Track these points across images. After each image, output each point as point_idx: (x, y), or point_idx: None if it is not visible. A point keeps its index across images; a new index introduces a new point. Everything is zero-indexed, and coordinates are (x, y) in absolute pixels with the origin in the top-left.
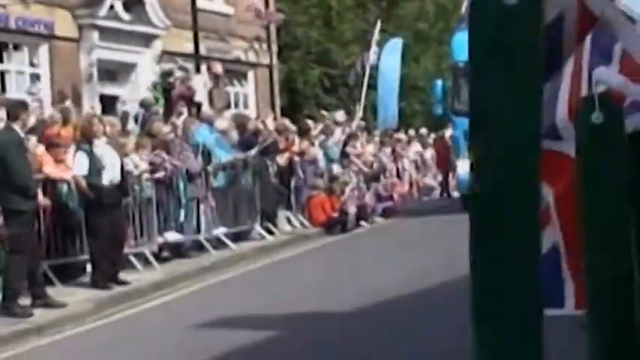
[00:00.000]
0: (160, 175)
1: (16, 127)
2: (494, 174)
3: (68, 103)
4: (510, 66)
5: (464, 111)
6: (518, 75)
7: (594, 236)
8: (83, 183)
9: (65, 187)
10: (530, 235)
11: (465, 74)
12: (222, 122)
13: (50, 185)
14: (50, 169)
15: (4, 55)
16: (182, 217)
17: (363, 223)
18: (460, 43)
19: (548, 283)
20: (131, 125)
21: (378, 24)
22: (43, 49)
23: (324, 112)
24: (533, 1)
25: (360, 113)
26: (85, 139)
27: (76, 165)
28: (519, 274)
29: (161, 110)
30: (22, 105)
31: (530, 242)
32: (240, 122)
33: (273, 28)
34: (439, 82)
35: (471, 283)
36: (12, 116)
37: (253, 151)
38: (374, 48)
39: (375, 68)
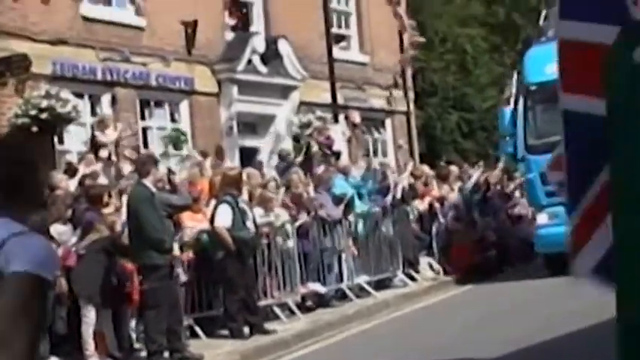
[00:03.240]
0: (300, 223)
1: (147, 182)
2: None
3: (209, 159)
4: None
5: (541, 148)
6: None
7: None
8: (227, 235)
9: (206, 238)
10: None
11: (542, 100)
12: (360, 171)
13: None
14: (189, 222)
15: (146, 112)
16: (324, 267)
17: (505, 267)
18: (537, 61)
19: None
20: (270, 175)
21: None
22: (184, 105)
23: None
24: None
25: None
26: (230, 191)
27: (220, 217)
28: None
29: (300, 160)
30: (152, 160)
31: None
32: (379, 170)
33: (409, 75)
34: (508, 111)
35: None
36: (143, 172)
37: (390, 199)
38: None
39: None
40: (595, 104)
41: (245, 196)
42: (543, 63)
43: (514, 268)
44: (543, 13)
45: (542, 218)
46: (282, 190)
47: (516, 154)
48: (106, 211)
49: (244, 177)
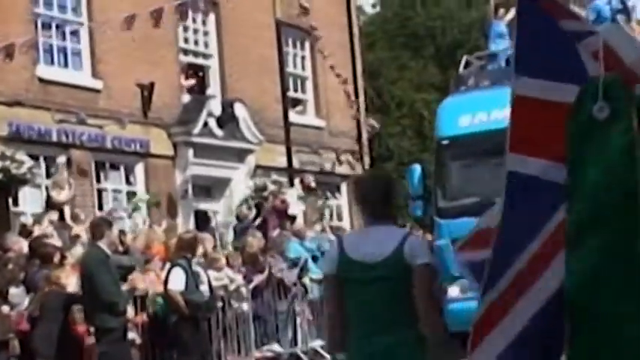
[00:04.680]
0: (255, 284)
1: (102, 244)
2: None
3: (164, 223)
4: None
5: (453, 210)
6: None
7: None
8: (180, 299)
9: (160, 301)
10: None
11: (455, 156)
12: (315, 235)
13: (143, 301)
14: (142, 284)
15: (101, 175)
16: (278, 331)
17: None
18: (451, 113)
19: None
20: (225, 239)
21: None
22: (139, 168)
23: None
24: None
25: None
26: (184, 255)
27: (173, 280)
28: None
29: (255, 224)
30: (107, 223)
31: None
32: (336, 234)
33: (365, 140)
34: (418, 168)
35: None
36: (97, 234)
37: None
38: None
39: None
40: (544, 167)
41: (199, 259)
42: (457, 114)
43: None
44: (464, 59)
45: (453, 291)
46: (237, 253)
47: (425, 216)
48: (58, 272)
49: (198, 241)
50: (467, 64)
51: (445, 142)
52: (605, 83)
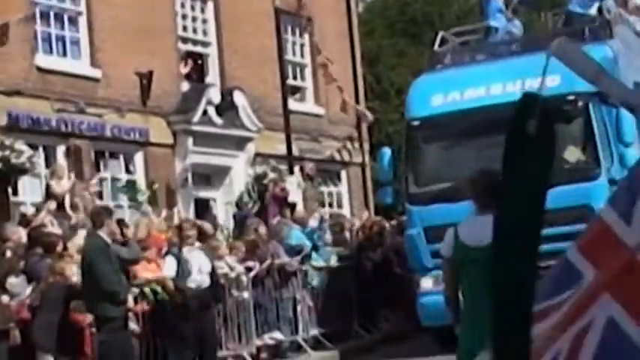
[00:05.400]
0: (255, 273)
1: (102, 233)
2: None
3: (163, 212)
4: None
5: (425, 197)
6: None
7: None
8: (171, 285)
9: (160, 290)
10: None
11: (426, 138)
12: (315, 222)
13: (142, 290)
14: (144, 273)
15: (101, 164)
16: (279, 319)
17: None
18: (423, 92)
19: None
20: (226, 227)
21: None
22: (139, 156)
23: None
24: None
25: None
26: (176, 243)
27: (165, 268)
28: None
29: (254, 211)
30: (106, 211)
31: None
32: (336, 221)
33: (364, 127)
34: (388, 152)
35: None
36: (97, 223)
37: (347, 249)
38: None
39: None
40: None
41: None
42: (430, 94)
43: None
44: (439, 35)
45: (426, 283)
46: (237, 242)
47: (396, 203)
48: (63, 263)
49: (198, 229)
50: (442, 42)
51: (416, 123)
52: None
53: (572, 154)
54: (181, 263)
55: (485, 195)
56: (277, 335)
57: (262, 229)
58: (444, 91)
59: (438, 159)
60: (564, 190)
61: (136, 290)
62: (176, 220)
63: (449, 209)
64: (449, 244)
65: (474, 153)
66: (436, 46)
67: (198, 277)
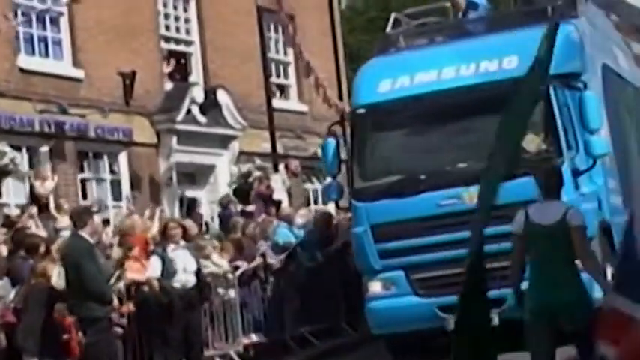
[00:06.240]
0: (241, 271)
1: (84, 233)
2: None
3: (147, 211)
4: None
5: (371, 191)
6: None
7: None
8: (156, 284)
9: (147, 289)
10: None
11: (373, 127)
12: (301, 220)
13: (128, 290)
14: (131, 274)
15: (85, 164)
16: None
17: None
18: (370, 78)
19: None
20: (211, 225)
21: None
22: (123, 156)
23: None
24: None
25: None
26: (163, 243)
27: (150, 268)
28: None
29: (241, 208)
30: (88, 212)
31: None
32: (322, 219)
33: (348, 124)
34: (332, 143)
35: None
36: (80, 223)
37: (334, 248)
38: None
39: None
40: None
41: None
42: (377, 79)
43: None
44: (392, 17)
45: (374, 287)
46: (224, 241)
47: (338, 198)
48: (44, 263)
49: (182, 228)
50: (396, 23)
51: (361, 110)
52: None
53: (532, 142)
54: (166, 263)
55: (549, 184)
56: (264, 334)
57: (249, 228)
58: (393, 76)
59: (385, 150)
60: (522, 182)
61: (122, 290)
62: (157, 220)
63: (397, 205)
64: (520, 223)
65: (424, 143)
66: (388, 29)
67: (183, 277)
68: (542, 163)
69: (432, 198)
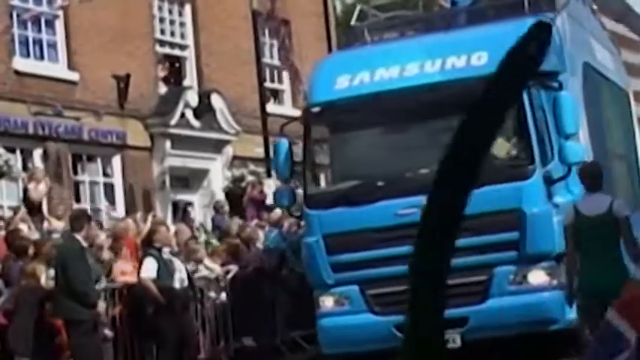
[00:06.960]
0: (233, 274)
1: (79, 236)
2: None
3: (139, 214)
4: None
5: (325, 198)
6: None
7: None
8: (152, 286)
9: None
10: None
11: (329, 128)
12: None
13: (120, 293)
14: (121, 276)
15: (78, 167)
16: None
17: None
18: (327, 74)
19: None
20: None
21: None
22: (116, 159)
23: None
24: None
25: None
26: (154, 245)
27: (145, 269)
28: None
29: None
30: (85, 215)
31: None
32: None
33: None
34: (284, 144)
35: None
36: (76, 227)
37: None
38: None
39: None
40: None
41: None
42: (335, 75)
43: None
44: (357, 9)
45: (327, 302)
46: (217, 246)
47: (290, 206)
48: (34, 264)
49: (174, 232)
50: (361, 16)
51: (316, 109)
52: None
53: (502, 147)
54: (165, 264)
55: (592, 178)
56: (255, 338)
57: (245, 232)
58: (351, 72)
59: (341, 153)
60: (491, 190)
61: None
62: (149, 224)
63: (352, 214)
64: (571, 215)
65: (383, 146)
66: (353, 21)
67: (180, 278)
68: (510, 169)
69: (390, 206)
